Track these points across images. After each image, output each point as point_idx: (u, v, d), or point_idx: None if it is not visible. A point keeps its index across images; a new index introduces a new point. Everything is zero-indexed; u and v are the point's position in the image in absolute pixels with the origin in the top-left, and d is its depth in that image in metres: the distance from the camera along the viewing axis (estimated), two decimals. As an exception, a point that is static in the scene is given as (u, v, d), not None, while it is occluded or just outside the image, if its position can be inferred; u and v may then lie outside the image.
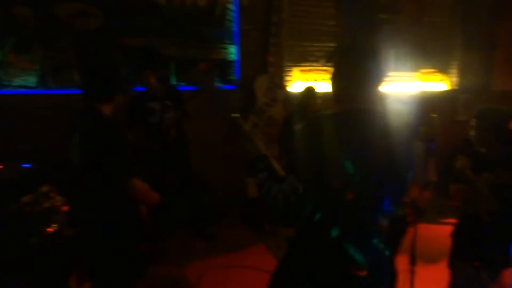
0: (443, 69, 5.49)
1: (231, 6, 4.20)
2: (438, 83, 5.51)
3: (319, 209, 1.20)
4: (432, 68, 5.43)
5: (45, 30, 3.56)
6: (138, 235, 1.89)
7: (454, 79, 5.56)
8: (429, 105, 4.78)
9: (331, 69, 1.36)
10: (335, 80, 1.36)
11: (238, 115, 1.35)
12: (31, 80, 3.59)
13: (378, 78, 1.31)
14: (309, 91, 3.98)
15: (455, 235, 2.11)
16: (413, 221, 2.21)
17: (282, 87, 4.44)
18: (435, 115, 4.23)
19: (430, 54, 5.33)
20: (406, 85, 5.29)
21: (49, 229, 2.11)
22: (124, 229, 1.79)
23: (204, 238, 3.78)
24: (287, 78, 4.61)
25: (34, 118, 3.52)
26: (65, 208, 2.41)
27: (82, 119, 1.84)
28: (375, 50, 1.29)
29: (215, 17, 4.17)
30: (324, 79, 4.80)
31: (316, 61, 4.76)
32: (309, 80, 4.74)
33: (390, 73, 5.18)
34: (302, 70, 4.70)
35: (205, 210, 3.94)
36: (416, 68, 5.33)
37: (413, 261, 2.23)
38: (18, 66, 3.52)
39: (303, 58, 4.70)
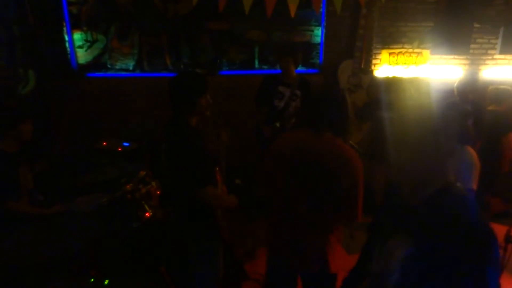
0: None
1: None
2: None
3: None
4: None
5: (141, 16, 3.82)
6: (215, 239, 2.02)
7: None
8: None
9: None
10: None
11: None
12: (130, 63, 3.93)
13: None
14: (393, 82, 3.65)
15: None
16: None
17: (368, 72, 4.21)
18: None
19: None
20: (515, 70, 4.64)
21: (147, 214, 2.40)
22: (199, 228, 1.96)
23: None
24: (375, 61, 4.35)
25: (131, 99, 3.90)
26: (158, 192, 2.69)
27: (168, 129, 1.98)
28: None
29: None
30: (415, 63, 4.43)
31: (408, 42, 4.39)
32: (399, 63, 4.41)
33: (497, 56, 4.58)
34: (391, 53, 4.38)
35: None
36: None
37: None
38: (120, 51, 3.87)
39: (394, 40, 4.36)
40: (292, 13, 2.56)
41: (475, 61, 4.57)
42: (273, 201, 1.81)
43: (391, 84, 3.55)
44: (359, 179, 1.65)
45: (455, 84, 3.56)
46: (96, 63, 3.87)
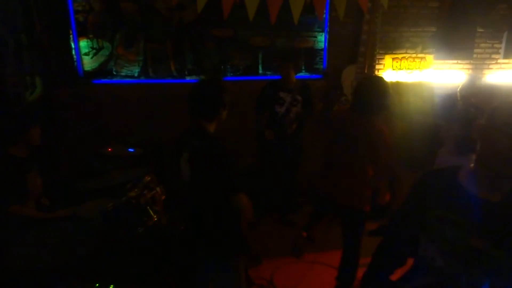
0: None
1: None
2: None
3: None
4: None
5: (146, 24, 3.87)
6: (238, 248, 1.97)
7: None
8: None
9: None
10: None
11: None
12: (135, 70, 3.97)
13: None
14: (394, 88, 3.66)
15: None
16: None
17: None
18: None
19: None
20: (519, 74, 4.63)
21: (152, 219, 2.41)
22: (226, 242, 1.91)
23: (285, 225, 3.93)
24: (378, 66, 4.36)
25: (136, 106, 3.94)
26: (163, 197, 2.70)
27: (191, 137, 1.90)
28: None
29: (305, 4, 4.06)
30: (418, 68, 4.44)
31: (411, 47, 4.40)
32: (402, 68, 4.42)
33: (501, 60, 4.58)
34: (394, 58, 4.39)
35: (291, 198, 4.05)
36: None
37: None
38: (125, 58, 3.92)
39: (397, 45, 4.37)
40: (296, 20, 2.57)
41: (479, 66, 4.57)
42: (333, 159, 2.57)
43: (394, 89, 3.55)
44: (382, 147, 2.33)
45: (458, 89, 3.55)
46: (102, 70, 3.92)
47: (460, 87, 3.57)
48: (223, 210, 1.87)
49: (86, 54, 3.86)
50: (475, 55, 4.53)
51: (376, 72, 4.33)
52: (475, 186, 1.10)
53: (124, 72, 3.96)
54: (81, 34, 3.79)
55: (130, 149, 3.55)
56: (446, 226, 1.12)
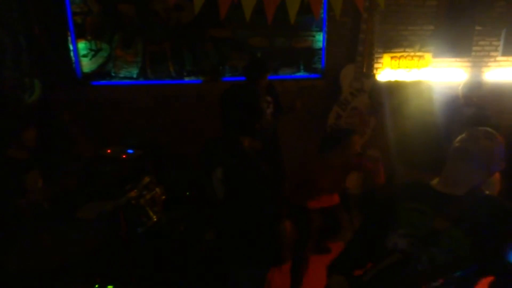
0: None
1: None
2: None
3: None
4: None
5: (144, 25, 3.87)
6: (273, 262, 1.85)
7: None
8: None
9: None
10: None
11: None
12: (133, 71, 3.98)
13: None
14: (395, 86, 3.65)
15: None
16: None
17: (370, 76, 4.22)
18: None
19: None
20: (517, 72, 4.63)
21: (151, 220, 2.42)
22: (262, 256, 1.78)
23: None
24: (377, 65, 4.36)
25: (135, 107, 3.94)
26: (163, 198, 2.71)
27: (224, 152, 1.73)
28: None
29: (302, 3, 4.06)
30: (417, 66, 4.44)
31: (410, 46, 4.39)
32: (401, 67, 4.42)
33: (499, 58, 4.57)
34: (393, 57, 4.39)
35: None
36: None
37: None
38: (123, 59, 3.92)
39: (396, 44, 4.37)
40: (292, 20, 2.58)
41: (478, 64, 4.57)
42: None
43: (394, 88, 3.57)
44: None
45: (460, 87, 3.55)
46: (100, 72, 3.93)
47: (461, 85, 3.57)
48: (262, 231, 1.72)
49: (84, 55, 3.87)
50: (473, 53, 4.52)
51: (375, 71, 4.34)
52: (443, 184, 1.31)
53: (122, 73, 3.96)
54: (79, 36, 3.80)
55: (129, 151, 3.55)
56: (413, 214, 1.29)
